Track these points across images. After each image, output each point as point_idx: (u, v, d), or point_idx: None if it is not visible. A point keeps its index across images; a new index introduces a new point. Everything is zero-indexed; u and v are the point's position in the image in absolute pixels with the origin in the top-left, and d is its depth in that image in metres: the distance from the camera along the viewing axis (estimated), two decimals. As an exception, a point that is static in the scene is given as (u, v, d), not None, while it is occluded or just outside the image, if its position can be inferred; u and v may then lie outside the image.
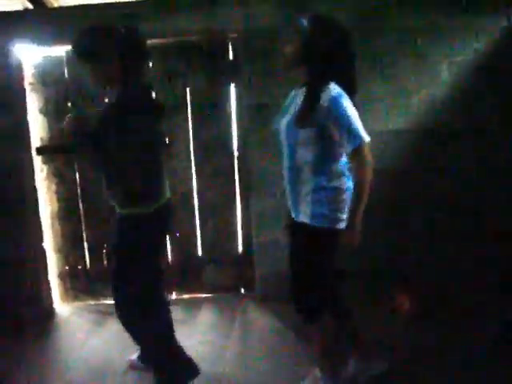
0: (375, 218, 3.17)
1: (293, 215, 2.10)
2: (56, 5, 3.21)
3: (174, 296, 3.51)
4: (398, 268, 3.25)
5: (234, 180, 3.37)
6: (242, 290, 3.55)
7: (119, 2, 3.07)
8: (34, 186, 3.29)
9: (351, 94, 1.93)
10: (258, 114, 3.14)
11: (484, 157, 3.15)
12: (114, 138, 1.93)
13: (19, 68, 3.17)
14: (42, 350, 2.91)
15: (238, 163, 3.35)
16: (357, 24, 3.01)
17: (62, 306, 3.53)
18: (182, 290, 3.51)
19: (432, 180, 3.18)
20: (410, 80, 3.12)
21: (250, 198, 3.28)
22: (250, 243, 3.37)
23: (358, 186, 1.87)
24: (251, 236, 3.35)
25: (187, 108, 3.27)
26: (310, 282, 2.06)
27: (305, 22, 1.91)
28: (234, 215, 3.44)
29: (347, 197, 1.96)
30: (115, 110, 2.00)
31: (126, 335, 2.94)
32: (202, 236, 3.46)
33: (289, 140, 2.00)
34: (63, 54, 3.22)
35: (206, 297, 3.50)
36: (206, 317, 3.26)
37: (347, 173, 1.99)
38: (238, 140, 3.31)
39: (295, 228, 2.11)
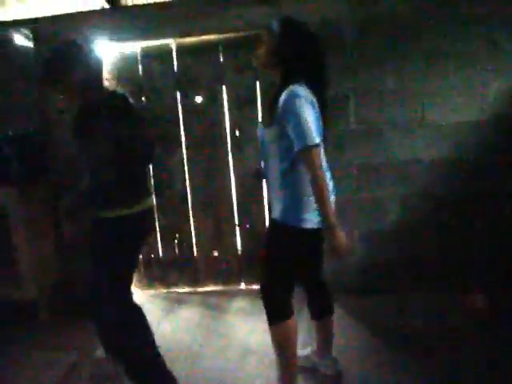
0: (448, 210, 3.15)
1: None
2: (130, 3, 3.32)
3: (242, 286, 3.58)
4: (472, 266, 3.17)
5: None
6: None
7: (188, -1, 3.14)
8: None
9: (321, 94, 1.99)
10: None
11: None
12: (92, 139, 1.99)
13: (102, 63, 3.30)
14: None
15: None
16: (432, 13, 2.97)
17: (135, 293, 3.67)
18: (249, 280, 3.57)
19: (508, 173, 3.07)
20: (486, 70, 3.02)
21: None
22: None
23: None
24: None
25: (257, 101, 3.31)
26: (270, 276, 2.09)
27: (275, 25, 1.98)
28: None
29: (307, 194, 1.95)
30: (94, 112, 2.03)
31: (197, 323, 3.07)
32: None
33: (261, 138, 2.07)
34: (137, 50, 3.34)
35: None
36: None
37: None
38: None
39: (269, 223, 2.21)
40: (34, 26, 3.22)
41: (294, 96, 1.83)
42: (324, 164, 1.98)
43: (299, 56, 1.95)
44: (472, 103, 3.06)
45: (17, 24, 3.25)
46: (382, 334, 2.78)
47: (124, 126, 2.03)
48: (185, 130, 3.43)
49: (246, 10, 3.07)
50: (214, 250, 3.60)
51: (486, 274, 3.12)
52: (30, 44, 3.24)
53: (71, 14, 3.22)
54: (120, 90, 2.19)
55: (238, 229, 3.53)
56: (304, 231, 1.97)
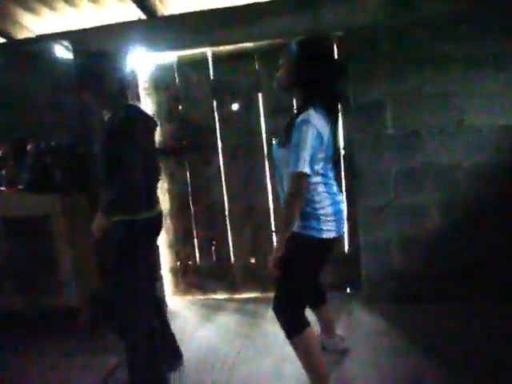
0: (492, 215, 3.07)
1: None
2: (166, 13, 3.35)
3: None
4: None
5: (341, 178, 3.34)
6: (348, 290, 3.53)
7: (226, 7, 3.15)
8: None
9: (334, 114, 2.06)
10: (364, 112, 3.10)
11: None
12: (114, 149, 2.08)
13: (134, 75, 3.35)
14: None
15: (344, 161, 3.32)
16: (470, 17, 2.91)
17: (173, 299, 3.73)
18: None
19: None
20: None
21: (357, 196, 3.25)
22: (357, 242, 3.34)
23: (284, 205, 1.97)
24: (358, 235, 3.31)
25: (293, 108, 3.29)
26: (281, 281, 2.12)
27: (293, 47, 2.02)
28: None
29: (318, 208, 2.03)
30: (121, 125, 2.11)
31: (234, 330, 3.08)
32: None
33: (275, 156, 2.15)
34: (174, 60, 3.38)
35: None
36: (310, 315, 3.26)
37: (321, 188, 2.05)
38: (345, 139, 3.27)
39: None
40: (74, 38, 3.29)
41: (304, 122, 1.89)
42: (331, 175, 2.12)
43: (316, 79, 1.99)
44: (509, 107, 2.97)
45: (56, 36, 3.34)
46: (417, 343, 2.73)
47: (135, 142, 2.12)
48: (221, 138, 3.45)
49: (282, 18, 3.07)
50: (252, 256, 3.60)
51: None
52: (70, 56, 3.31)
53: (109, 25, 3.29)
54: (139, 104, 2.28)
55: (274, 236, 3.52)
56: (311, 238, 2.03)
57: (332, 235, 2.06)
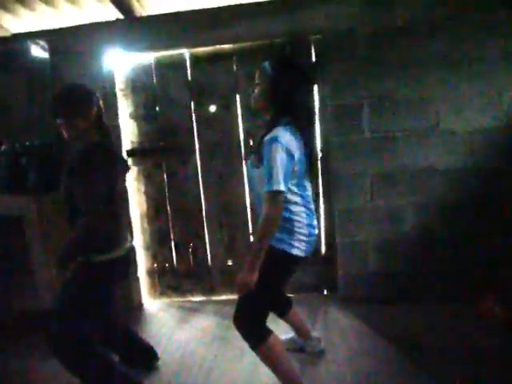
0: (466, 216, 3.12)
1: None
2: (144, 14, 3.34)
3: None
4: (488, 272, 3.13)
5: (318, 181, 3.36)
6: (325, 291, 3.55)
7: (204, 9, 3.15)
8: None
9: (306, 129, 2.07)
10: (340, 115, 3.13)
11: None
12: (81, 182, 2.03)
13: (111, 75, 3.34)
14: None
15: (321, 164, 3.34)
16: (445, 21, 2.96)
17: (149, 302, 3.70)
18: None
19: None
20: (499, 78, 3.00)
21: (333, 198, 3.27)
22: (333, 243, 3.36)
23: (260, 222, 1.91)
24: (334, 236, 3.33)
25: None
26: (253, 292, 2.02)
27: (268, 67, 2.05)
28: (317, 216, 3.42)
29: (293, 225, 2.04)
30: (91, 159, 2.07)
31: (211, 332, 3.07)
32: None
33: (249, 173, 2.21)
34: (151, 61, 3.37)
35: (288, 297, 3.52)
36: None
37: (298, 206, 2.05)
38: (322, 140, 3.30)
39: None
40: (50, 37, 3.26)
41: (272, 141, 1.90)
42: (308, 193, 2.13)
43: (290, 99, 2.01)
44: (486, 111, 3.03)
45: (33, 35, 3.30)
46: (393, 342, 2.75)
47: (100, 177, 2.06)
48: (198, 139, 3.44)
49: (261, 20, 3.08)
50: (229, 259, 3.59)
51: (501, 282, 3.08)
52: (46, 55, 3.28)
53: (86, 24, 3.26)
54: (104, 142, 2.25)
55: (251, 238, 3.52)
56: (281, 252, 2.02)
57: (301, 254, 2.06)
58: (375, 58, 3.06)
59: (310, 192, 2.15)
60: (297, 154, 1.95)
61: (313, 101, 2.00)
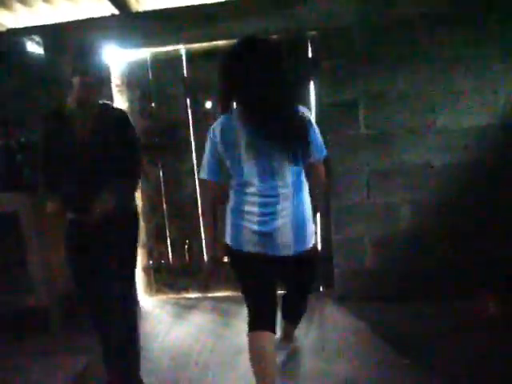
0: (462, 213, 3.11)
1: None
2: (140, 10, 3.33)
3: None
4: (485, 272, 3.13)
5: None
6: (321, 288, 3.54)
7: (199, 5, 3.13)
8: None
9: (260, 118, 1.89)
10: (337, 111, 3.13)
11: None
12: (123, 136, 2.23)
13: (106, 71, 3.31)
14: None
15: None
16: (442, 17, 2.95)
17: (145, 299, 3.69)
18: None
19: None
20: (496, 74, 3.00)
21: (331, 195, 3.26)
22: (329, 241, 3.35)
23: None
24: (330, 233, 3.33)
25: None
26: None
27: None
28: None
29: (231, 218, 2.05)
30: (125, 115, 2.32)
31: (207, 329, 3.07)
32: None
33: None
34: (147, 57, 3.35)
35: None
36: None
37: (236, 197, 2.04)
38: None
39: None
40: (45, 32, 3.24)
41: (209, 130, 2.02)
42: (260, 188, 1.96)
43: (228, 88, 1.94)
44: (482, 108, 3.03)
45: (28, 31, 3.29)
46: (389, 340, 2.74)
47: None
48: (194, 135, 3.43)
49: (257, 16, 3.07)
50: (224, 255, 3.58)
51: (499, 279, 3.08)
52: (41, 51, 3.26)
53: (81, 20, 3.24)
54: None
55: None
56: (230, 249, 2.07)
57: (245, 249, 2.02)
58: (371, 55, 3.05)
59: (267, 186, 1.97)
60: (234, 144, 1.94)
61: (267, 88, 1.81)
